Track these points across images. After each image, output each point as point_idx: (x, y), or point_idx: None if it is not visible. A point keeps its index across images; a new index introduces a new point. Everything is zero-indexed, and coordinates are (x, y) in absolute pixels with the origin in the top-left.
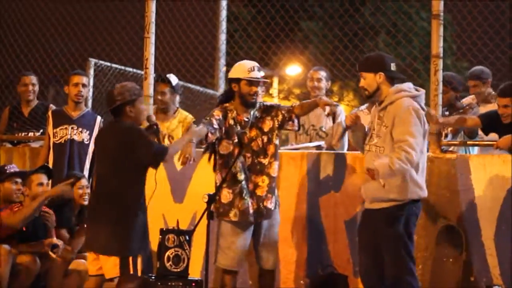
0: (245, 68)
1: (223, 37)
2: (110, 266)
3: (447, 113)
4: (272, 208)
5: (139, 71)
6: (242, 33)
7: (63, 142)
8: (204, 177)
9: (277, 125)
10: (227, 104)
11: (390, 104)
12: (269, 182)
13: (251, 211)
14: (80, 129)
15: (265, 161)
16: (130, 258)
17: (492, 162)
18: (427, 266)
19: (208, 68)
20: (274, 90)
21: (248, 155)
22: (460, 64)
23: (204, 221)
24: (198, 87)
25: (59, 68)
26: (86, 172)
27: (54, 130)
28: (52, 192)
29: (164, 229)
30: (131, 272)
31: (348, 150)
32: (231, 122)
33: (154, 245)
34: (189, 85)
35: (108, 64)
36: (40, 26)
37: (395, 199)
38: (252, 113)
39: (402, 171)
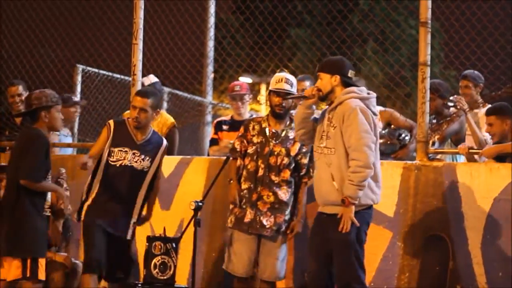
0: (274, 80)
1: (211, 44)
2: (13, 268)
3: (434, 121)
4: (267, 226)
5: (127, 78)
6: (230, 40)
7: None
8: (191, 185)
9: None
10: (261, 115)
11: (339, 105)
12: (274, 200)
13: (245, 220)
14: None
15: (276, 180)
16: (29, 260)
17: (479, 171)
18: (414, 275)
19: (196, 74)
20: (261, 97)
21: (263, 166)
22: (448, 72)
23: (191, 228)
24: (186, 94)
25: (47, 75)
26: None
27: None
28: None
29: (151, 236)
30: (29, 274)
31: None
32: (254, 132)
33: (141, 252)
34: (177, 91)
35: (96, 70)
36: (28, 32)
37: None
38: (284, 129)
39: (364, 177)
